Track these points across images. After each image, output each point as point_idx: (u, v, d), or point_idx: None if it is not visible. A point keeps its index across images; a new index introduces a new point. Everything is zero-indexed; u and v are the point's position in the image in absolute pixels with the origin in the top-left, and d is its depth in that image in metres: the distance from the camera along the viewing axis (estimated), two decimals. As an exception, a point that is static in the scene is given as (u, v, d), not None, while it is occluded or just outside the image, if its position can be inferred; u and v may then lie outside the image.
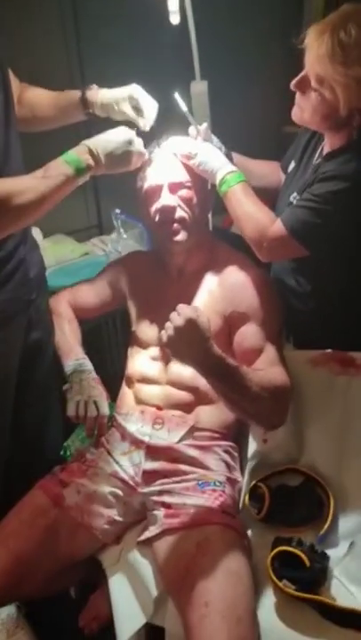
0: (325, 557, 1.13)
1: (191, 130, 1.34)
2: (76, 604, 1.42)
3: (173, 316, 1.08)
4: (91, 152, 1.16)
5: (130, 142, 1.21)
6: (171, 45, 1.72)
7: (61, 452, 1.41)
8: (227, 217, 2.04)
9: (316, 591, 1.08)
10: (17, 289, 1.23)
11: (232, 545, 1.11)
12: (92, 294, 1.49)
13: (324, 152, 1.23)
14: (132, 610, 1.18)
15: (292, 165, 1.34)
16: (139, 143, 1.23)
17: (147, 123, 1.31)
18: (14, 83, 1.32)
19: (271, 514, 1.24)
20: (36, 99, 1.38)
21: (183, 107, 1.33)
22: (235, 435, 1.35)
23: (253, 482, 1.30)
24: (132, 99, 1.28)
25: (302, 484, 1.30)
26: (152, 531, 1.19)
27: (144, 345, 1.38)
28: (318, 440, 1.31)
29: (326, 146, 1.23)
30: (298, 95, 1.16)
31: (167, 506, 1.20)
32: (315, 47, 1.06)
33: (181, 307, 1.09)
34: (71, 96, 1.36)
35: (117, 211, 1.81)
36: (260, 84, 2.41)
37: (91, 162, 1.15)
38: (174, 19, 1.41)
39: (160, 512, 1.20)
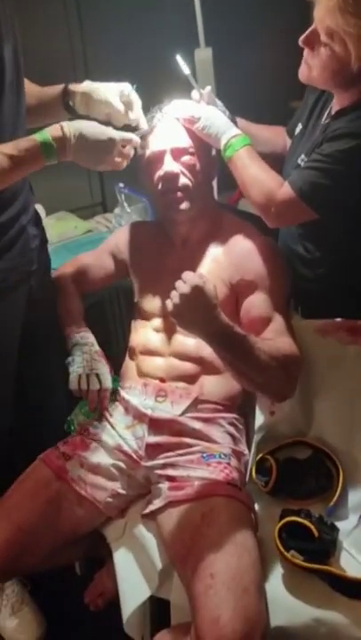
0: (335, 529, 1.11)
1: (194, 93, 1.29)
2: (82, 581, 1.41)
3: (179, 283, 1.05)
4: (63, 134, 1.06)
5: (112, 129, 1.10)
6: (173, 12, 1.67)
7: (65, 426, 1.39)
8: (232, 195, 2.00)
9: (325, 562, 1.06)
10: (18, 258, 1.20)
11: (238, 516, 1.09)
12: (94, 266, 1.46)
13: (333, 111, 1.19)
14: (136, 583, 1.16)
15: (299, 128, 1.30)
16: (122, 134, 1.11)
17: (139, 118, 1.21)
18: None
19: (278, 486, 1.21)
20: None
21: (185, 69, 1.29)
22: (240, 406, 1.32)
23: (260, 455, 1.28)
24: (123, 94, 1.19)
25: (311, 456, 1.28)
26: (156, 504, 1.17)
27: (147, 316, 1.35)
28: (327, 412, 1.28)
29: (335, 105, 1.18)
30: (306, 52, 1.11)
31: (171, 479, 1.18)
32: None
33: (187, 274, 1.05)
34: (55, 87, 1.28)
35: (121, 185, 1.77)
36: (266, 57, 2.35)
37: (60, 147, 1.06)
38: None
39: (164, 485, 1.18)
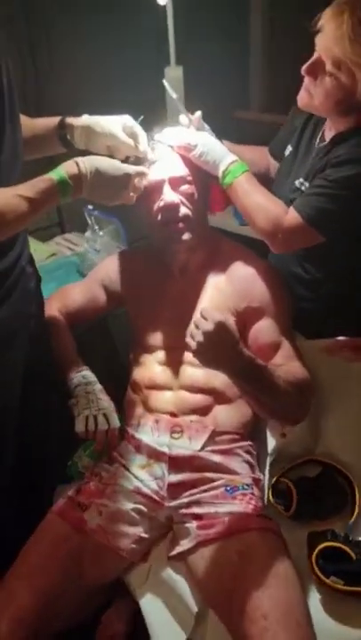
0: (360, 546, 1.13)
1: (183, 118, 1.26)
2: (90, 624, 1.35)
3: (200, 320, 1.01)
4: (79, 172, 1.03)
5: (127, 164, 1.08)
6: (140, 30, 1.63)
7: (67, 471, 1.32)
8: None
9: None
10: (19, 302, 1.12)
11: (275, 548, 1.08)
12: (83, 297, 1.39)
13: (327, 135, 1.20)
14: (170, 628, 1.13)
15: (288, 150, 1.30)
16: (136, 169, 1.10)
17: (145, 149, 1.17)
18: None
19: (299, 509, 1.22)
20: None
21: (173, 94, 1.26)
22: (252, 433, 1.31)
23: (275, 477, 1.28)
24: (126, 126, 1.15)
25: (321, 473, 1.29)
26: (185, 544, 1.14)
27: (150, 349, 1.31)
28: (335, 428, 1.30)
29: (330, 129, 1.20)
30: (307, 80, 1.11)
31: (198, 517, 1.15)
32: (332, 29, 1.01)
33: (206, 310, 1.02)
34: (48, 119, 1.21)
35: (90, 207, 1.69)
36: (212, 67, 2.36)
37: (76, 184, 1.03)
38: (162, -1, 1.32)
39: (192, 524, 1.14)
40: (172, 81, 1.49)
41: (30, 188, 0.97)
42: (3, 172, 1.00)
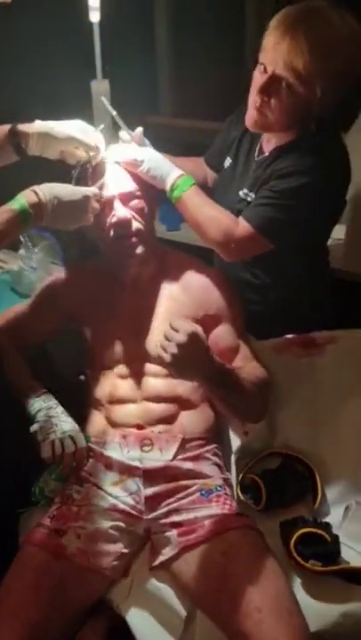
0: (329, 527, 1.22)
1: (123, 134, 1.27)
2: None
3: (171, 333, 1.04)
4: (39, 200, 1.03)
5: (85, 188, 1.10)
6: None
7: (32, 497, 1.28)
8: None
9: (337, 561, 1.15)
10: None
11: (256, 544, 1.13)
12: (31, 319, 1.36)
13: (266, 147, 1.26)
14: (160, 636, 1.14)
15: (228, 162, 1.35)
16: (93, 190, 1.13)
17: (102, 145, 1.20)
18: None
19: (268, 502, 1.28)
20: None
21: (112, 110, 1.26)
22: (215, 436, 1.35)
23: (241, 474, 1.33)
24: (83, 131, 1.16)
25: (282, 464, 1.37)
26: (167, 553, 1.15)
27: (109, 364, 1.30)
28: (291, 420, 1.37)
29: (268, 142, 1.26)
30: (260, 100, 1.13)
31: (178, 525, 1.17)
32: (289, 44, 1.04)
33: (177, 321, 1.05)
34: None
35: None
36: (120, 72, 2.36)
37: (36, 213, 1.03)
38: (94, 16, 1.30)
39: (172, 532, 1.16)
40: (99, 95, 1.48)
41: None
42: None
